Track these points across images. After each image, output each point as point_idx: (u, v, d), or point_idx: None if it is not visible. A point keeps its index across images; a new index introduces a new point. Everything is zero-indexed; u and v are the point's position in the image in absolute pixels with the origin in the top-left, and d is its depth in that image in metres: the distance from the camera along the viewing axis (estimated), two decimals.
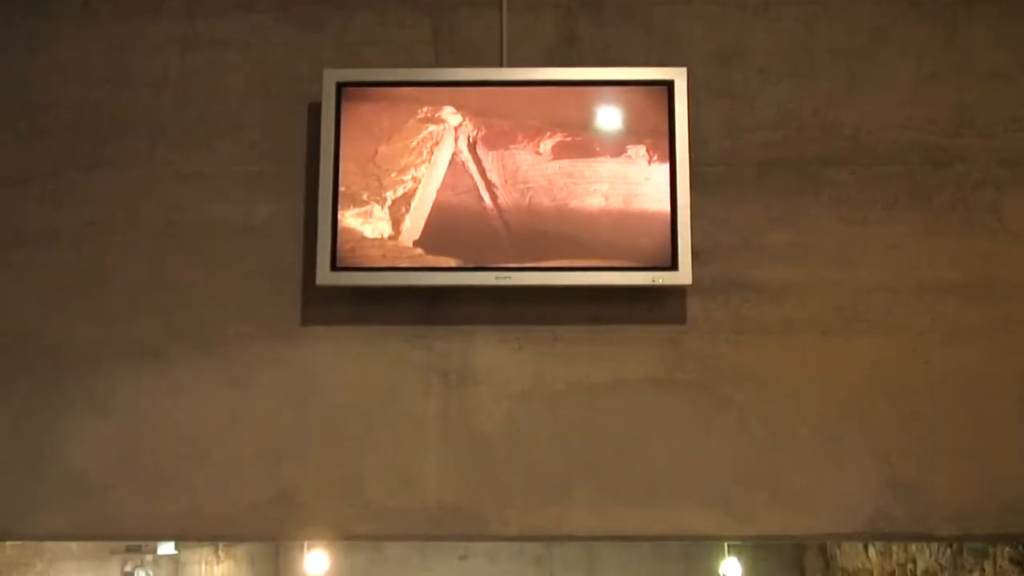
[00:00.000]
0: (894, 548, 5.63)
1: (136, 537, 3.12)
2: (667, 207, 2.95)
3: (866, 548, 6.04)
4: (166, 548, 4.28)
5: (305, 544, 6.51)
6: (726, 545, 6.20)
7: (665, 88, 3.01)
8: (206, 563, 6.24)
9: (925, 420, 2.92)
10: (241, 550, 6.86)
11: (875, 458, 2.90)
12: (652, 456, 2.95)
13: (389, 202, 3.00)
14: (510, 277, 2.96)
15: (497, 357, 3.02)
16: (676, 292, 3.00)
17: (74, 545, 4.65)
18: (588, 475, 2.94)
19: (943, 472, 2.88)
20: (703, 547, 6.92)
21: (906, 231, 3.03)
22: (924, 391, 2.93)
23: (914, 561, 5.36)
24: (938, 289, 2.98)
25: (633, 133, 3.02)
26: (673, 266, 2.93)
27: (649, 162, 2.99)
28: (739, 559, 6.63)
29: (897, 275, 3.00)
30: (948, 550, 4.88)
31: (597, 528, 2.96)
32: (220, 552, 6.43)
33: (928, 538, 2.97)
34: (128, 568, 4.20)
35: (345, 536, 3.05)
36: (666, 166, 2.97)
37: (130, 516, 2.95)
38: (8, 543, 4.09)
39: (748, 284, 3.02)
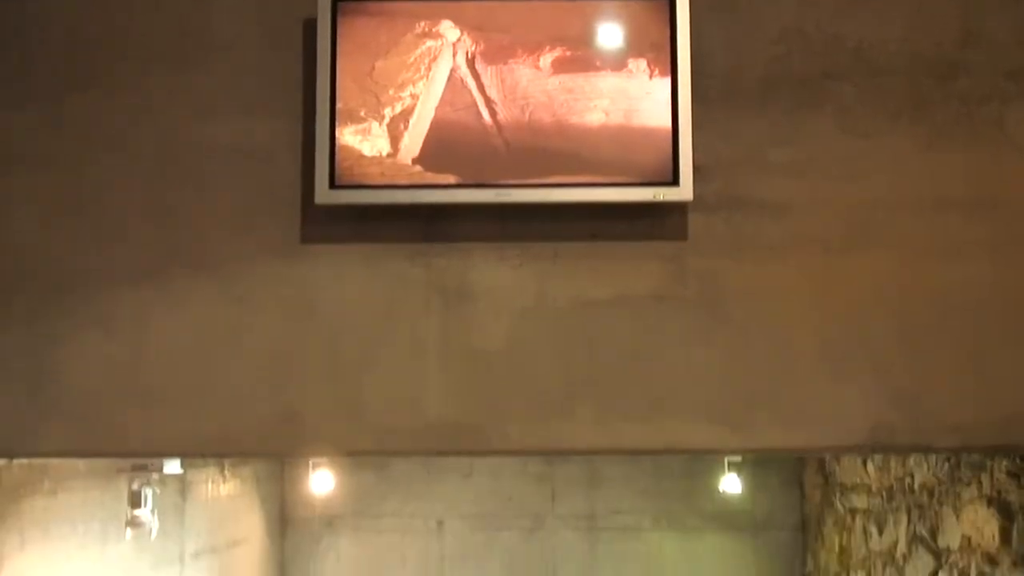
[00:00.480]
0: (892, 463, 5.68)
1: (140, 454, 3.16)
2: (668, 122, 2.92)
3: (864, 463, 6.10)
4: (172, 467, 4.33)
5: (310, 464, 6.57)
6: (726, 462, 6.27)
7: (667, 1, 2.95)
8: (212, 483, 6.32)
9: (926, 334, 2.92)
10: (247, 470, 6.93)
11: (875, 372, 2.91)
12: (653, 372, 2.96)
13: (387, 119, 2.97)
14: (510, 194, 2.94)
15: (497, 274, 3.01)
16: (677, 208, 2.98)
17: (81, 465, 4.71)
18: (589, 391, 2.96)
19: (943, 385, 2.90)
20: (703, 464, 7.00)
21: (909, 145, 2.99)
22: (925, 305, 2.93)
23: (912, 475, 5.42)
24: (941, 204, 2.96)
25: (634, 47, 2.97)
26: (674, 182, 2.91)
27: (650, 76, 2.94)
28: (739, 476, 6.70)
29: (900, 190, 2.98)
30: (946, 464, 4.93)
31: (598, 443, 2.98)
32: (226, 472, 6.51)
33: (928, 450, 3.01)
34: (135, 487, 4.25)
35: (347, 452, 3.09)
36: (667, 80, 2.93)
37: (134, 434, 2.97)
38: (15, 463, 4.13)
39: (750, 200, 3.00)
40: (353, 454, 3.07)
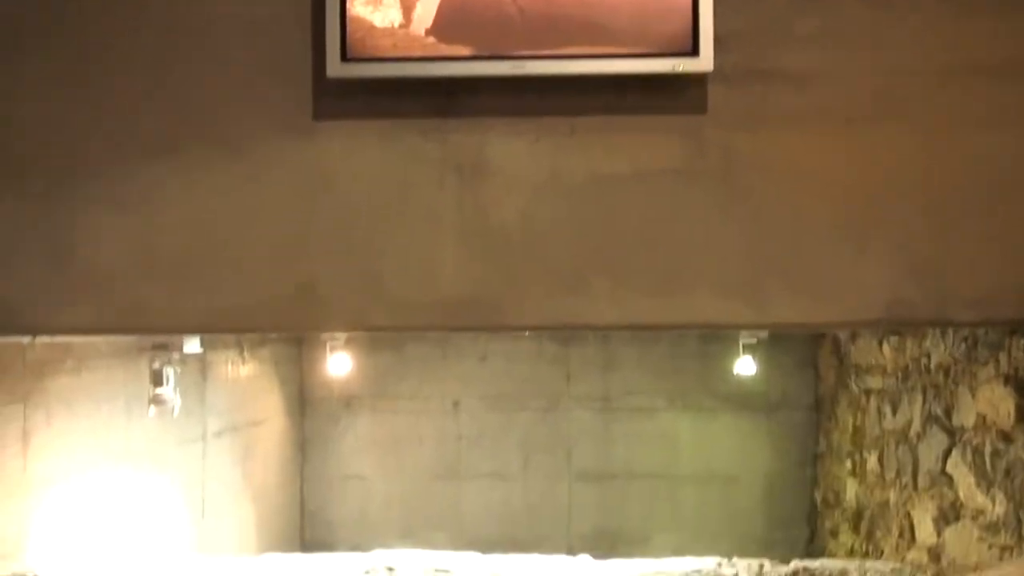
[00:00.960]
0: (908, 344, 5.69)
1: (159, 331, 3.18)
2: None
3: (880, 344, 6.10)
4: (192, 346, 4.37)
5: (327, 346, 6.64)
6: (740, 344, 6.27)
7: None
8: (231, 364, 6.39)
9: (948, 206, 2.88)
10: (265, 352, 7.01)
11: (895, 245, 2.88)
12: (670, 246, 2.94)
13: None
14: (525, 66, 2.88)
15: (513, 149, 2.98)
16: (697, 80, 2.92)
17: (103, 345, 4.76)
18: (605, 266, 2.95)
19: (964, 258, 2.87)
20: (718, 346, 7.03)
21: (936, 11, 2.90)
22: (948, 176, 2.88)
23: (928, 356, 5.42)
24: (969, 72, 2.88)
25: None
26: (694, 52, 2.84)
27: None
28: (753, 357, 6.72)
29: (926, 58, 2.89)
30: (963, 344, 4.93)
31: (614, 318, 2.98)
32: (245, 354, 6.59)
33: (946, 324, 3.00)
34: (156, 366, 4.30)
35: (363, 328, 3.10)
36: None
37: (153, 310, 2.99)
38: (38, 341, 4.18)
39: (771, 71, 2.93)
40: (369, 329, 3.08)
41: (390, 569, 4.17)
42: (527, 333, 6.14)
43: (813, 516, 7.54)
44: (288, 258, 2.97)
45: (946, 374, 5.23)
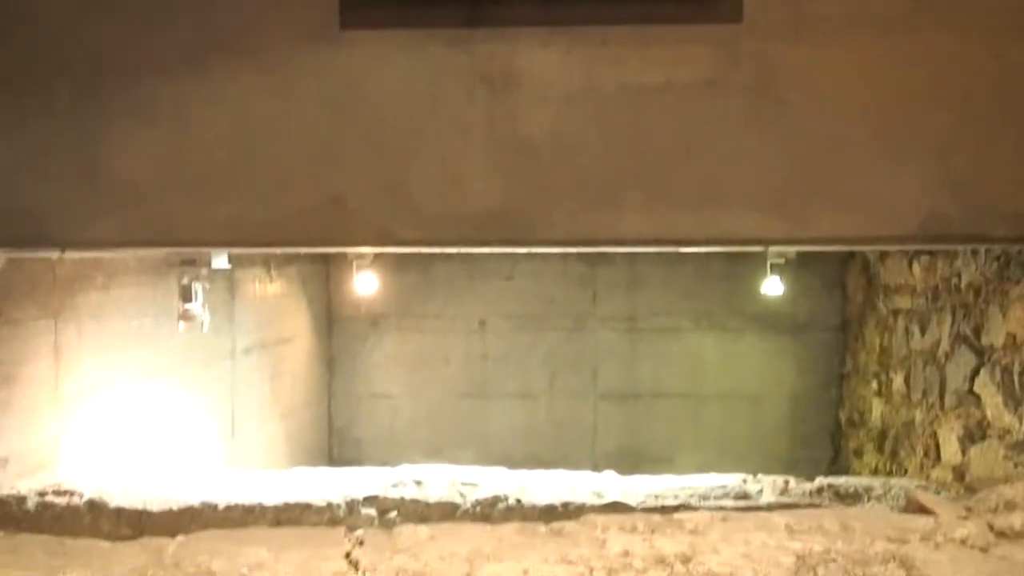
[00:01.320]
0: (939, 262, 5.63)
1: (188, 244, 3.17)
2: None
3: (910, 263, 6.05)
4: (220, 262, 4.37)
5: (354, 265, 6.63)
6: (768, 263, 6.22)
7: None
8: (259, 282, 6.41)
9: (988, 118, 2.81)
10: (292, 270, 7.02)
11: (933, 158, 2.82)
12: (703, 160, 2.89)
13: None
14: None
15: (544, 60, 2.92)
16: None
17: (131, 261, 4.77)
18: (637, 179, 2.90)
19: (1003, 172, 2.81)
20: (745, 266, 6.97)
21: None
22: (990, 88, 2.80)
23: (959, 275, 5.36)
24: None
25: None
26: None
27: None
28: (780, 277, 6.66)
29: None
30: (995, 263, 4.87)
31: (645, 233, 2.95)
32: (272, 272, 6.60)
33: (983, 240, 2.94)
34: (185, 281, 4.31)
35: (393, 243, 3.08)
36: None
37: (181, 223, 2.98)
38: (67, 258, 4.19)
39: None
40: (398, 244, 3.06)
41: (418, 483, 4.21)
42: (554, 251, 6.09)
43: (837, 436, 7.56)
44: (315, 171, 2.94)
45: (976, 293, 5.18)
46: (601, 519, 2.20)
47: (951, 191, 2.83)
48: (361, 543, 2.09)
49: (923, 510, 2.29)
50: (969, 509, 2.22)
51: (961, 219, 2.84)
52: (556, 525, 2.22)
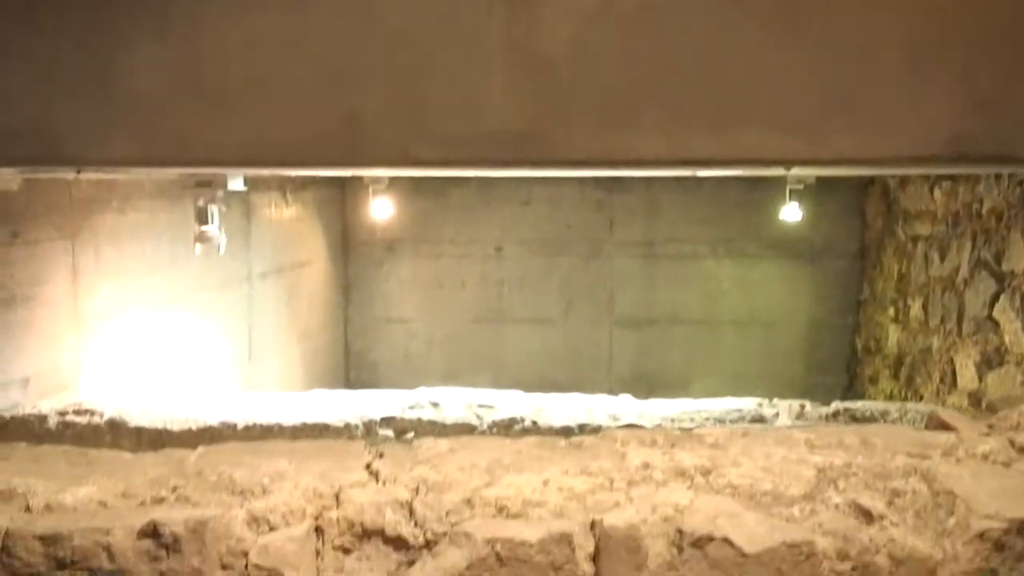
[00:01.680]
0: (960, 188, 5.57)
1: (203, 163, 3.14)
2: None
3: (931, 189, 5.98)
4: (235, 184, 4.34)
5: (370, 190, 6.59)
6: (787, 189, 6.16)
7: None
8: (275, 206, 6.40)
9: (1017, 35, 2.73)
10: (308, 195, 7.00)
11: (959, 77, 2.75)
12: (725, 77, 2.83)
13: None
14: None
15: None
16: None
17: (147, 184, 4.76)
18: (657, 97, 2.85)
19: None
20: (762, 192, 6.90)
21: None
22: (1020, 3, 2.73)
23: (980, 201, 5.31)
24: None
25: None
26: None
27: None
28: (799, 203, 6.61)
29: None
30: (1018, 188, 4.81)
31: (665, 153, 2.90)
32: (288, 196, 6.58)
33: (1008, 161, 2.89)
34: (200, 203, 4.29)
35: (410, 163, 3.05)
36: None
37: (196, 141, 2.95)
38: (83, 179, 4.18)
39: None
40: (415, 164, 3.03)
41: (435, 404, 4.24)
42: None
43: (853, 363, 7.56)
44: (331, 89, 2.90)
45: (998, 219, 5.13)
46: (621, 433, 2.21)
47: (977, 111, 2.77)
48: (381, 455, 2.10)
49: (944, 427, 2.29)
50: (991, 426, 2.22)
51: (987, 139, 2.79)
52: (576, 439, 2.22)
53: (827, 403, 4.50)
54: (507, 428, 4.00)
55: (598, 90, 2.86)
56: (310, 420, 4.02)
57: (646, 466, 1.99)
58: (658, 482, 1.95)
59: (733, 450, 2.08)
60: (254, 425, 3.96)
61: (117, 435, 3.79)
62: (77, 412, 3.97)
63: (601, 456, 2.07)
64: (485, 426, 4.03)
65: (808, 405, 4.46)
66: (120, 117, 2.95)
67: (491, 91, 2.88)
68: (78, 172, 3.50)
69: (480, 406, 4.23)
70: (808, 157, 2.93)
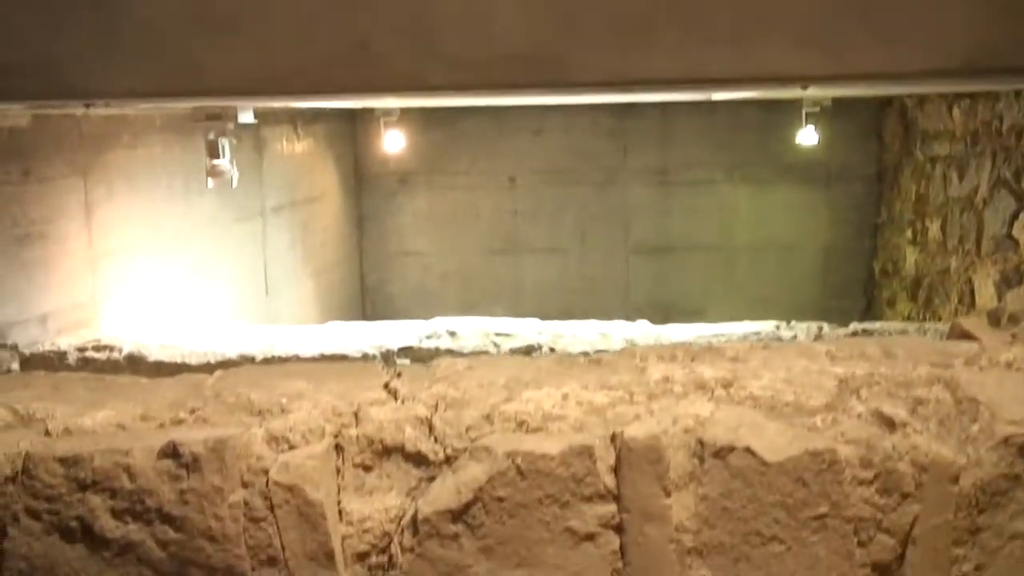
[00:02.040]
0: (979, 106, 5.48)
1: (213, 93, 3.10)
2: None
3: (949, 108, 5.90)
4: (245, 116, 4.31)
5: (382, 122, 6.56)
6: (803, 112, 6.09)
7: None
8: (286, 140, 6.36)
9: None
10: (319, 128, 6.95)
11: None
12: None
13: None
14: None
15: None
16: None
17: (157, 118, 4.72)
18: (670, 14, 2.79)
19: None
20: (778, 115, 6.81)
21: None
22: None
23: (1000, 118, 5.23)
24: None
25: None
26: None
27: None
28: (815, 127, 6.54)
29: None
30: None
31: (681, 72, 2.85)
32: (299, 130, 6.54)
33: None
34: (211, 137, 4.27)
35: (421, 88, 3.00)
36: None
37: (205, 71, 2.91)
38: (93, 115, 4.16)
39: None
40: (426, 90, 2.99)
41: (452, 334, 4.25)
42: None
43: (870, 286, 7.53)
44: (340, 13, 2.85)
45: (1019, 136, 5.06)
46: (640, 349, 2.20)
47: (997, 20, 2.70)
48: (399, 375, 2.10)
49: (967, 337, 2.27)
50: (1014, 336, 2.20)
51: (1008, 50, 2.72)
52: (595, 356, 2.21)
53: (845, 326, 4.49)
54: (524, 355, 4.01)
55: (612, 9, 2.80)
56: (328, 351, 4.04)
57: (666, 380, 1.98)
58: (678, 395, 1.94)
59: (754, 363, 2.07)
60: (272, 357, 3.98)
61: (136, 369, 3.81)
62: (96, 348, 3.99)
63: (620, 371, 2.06)
64: (502, 354, 4.03)
65: (826, 327, 4.45)
66: (127, 48, 2.91)
67: (502, 13, 2.83)
68: (87, 107, 3.48)
69: (497, 335, 4.23)
70: (826, 73, 2.87)
